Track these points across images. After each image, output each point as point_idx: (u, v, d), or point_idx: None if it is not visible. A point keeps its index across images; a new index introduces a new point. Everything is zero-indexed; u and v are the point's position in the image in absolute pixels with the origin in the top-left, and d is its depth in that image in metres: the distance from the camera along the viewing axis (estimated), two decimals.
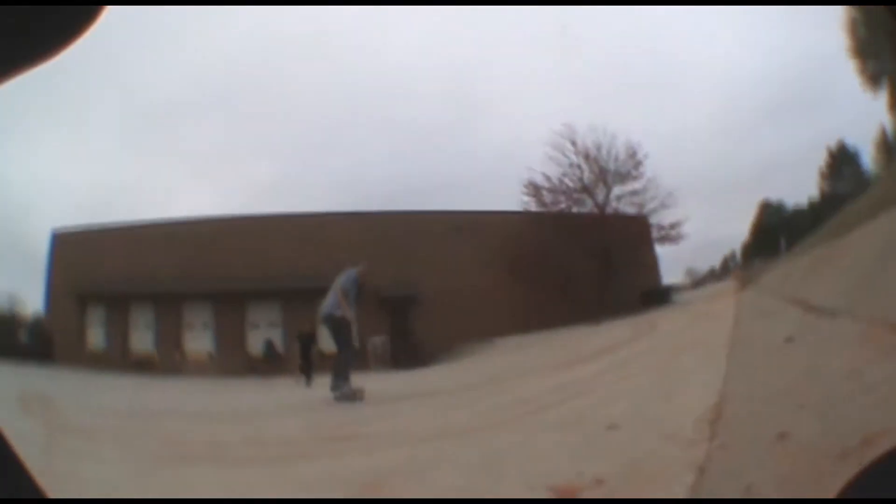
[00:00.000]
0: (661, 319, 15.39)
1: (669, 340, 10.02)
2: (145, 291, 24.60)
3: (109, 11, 0.83)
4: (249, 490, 3.49)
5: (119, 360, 23.02)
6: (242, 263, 24.44)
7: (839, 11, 34.26)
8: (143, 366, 22.58)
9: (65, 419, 7.43)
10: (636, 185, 28.21)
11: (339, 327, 9.84)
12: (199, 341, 25.30)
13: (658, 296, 25.80)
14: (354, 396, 9.03)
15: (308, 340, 18.53)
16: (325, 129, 52.98)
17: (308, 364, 17.88)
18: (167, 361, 23.62)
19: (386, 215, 26.45)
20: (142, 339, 25.30)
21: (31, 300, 26.73)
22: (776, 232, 35.55)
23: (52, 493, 0.96)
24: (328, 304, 10.02)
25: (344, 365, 9.57)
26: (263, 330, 25.06)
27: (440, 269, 24.87)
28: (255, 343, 25.01)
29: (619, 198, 28.35)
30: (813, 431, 2.62)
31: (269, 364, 22.62)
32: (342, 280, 10.26)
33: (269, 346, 24.19)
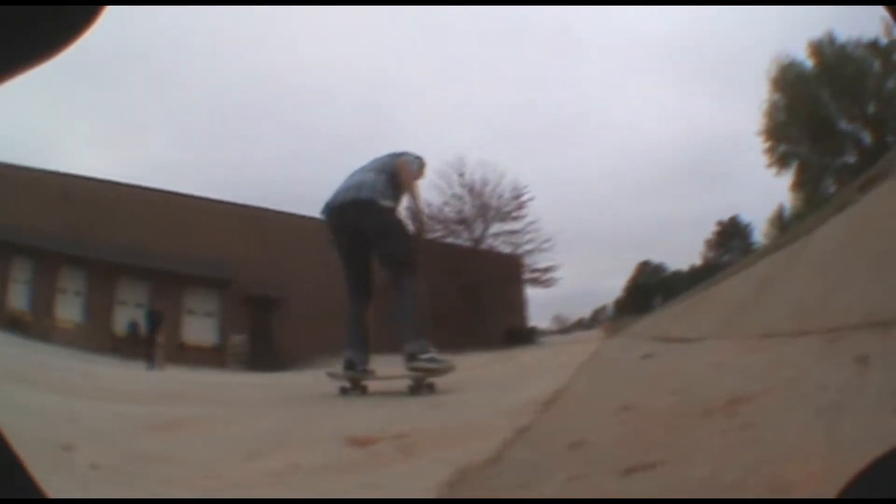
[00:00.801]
0: (522, 353, 15.41)
1: (526, 364, 9.87)
2: (27, 244, 23.20)
3: (109, 11, 0.78)
4: None
5: None
6: (120, 234, 23.60)
7: (761, 93, 36.88)
8: (16, 324, 21.62)
9: None
10: (515, 225, 29.60)
11: (388, 225, 5.35)
12: (69, 308, 24.42)
13: (522, 335, 26.26)
14: (445, 367, 4.96)
15: (157, 320, 18.64)
16: (232, 121, 52.26)
17: (151, 345, 17.70)
18: (39, 324, 22.44)
19: (268, 213, 26.75)
20: (19, 297, 24.13)
21: None
22: (652, 291, 36.97)
23: (51, 493, 0.88)
24: (365, 183, 5.40)
25: (413, 305, 5.17)
26: (131, 309, 24.13)
27: (310, 277, 24.17)
28: (121, 320, 24.21)
29: (496, 235, 29.62)
30: (655, 403, 2.55)
31: (131, 345, 21.46)
32: (384, 161, 5.72)
33: (134, 326, 23.17)
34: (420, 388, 4.75)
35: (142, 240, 23.85)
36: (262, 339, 24.11)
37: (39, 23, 0.77)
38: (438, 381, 4.97)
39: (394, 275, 5.23)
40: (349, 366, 5.33)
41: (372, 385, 5.40)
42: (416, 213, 5.92)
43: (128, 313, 24.01)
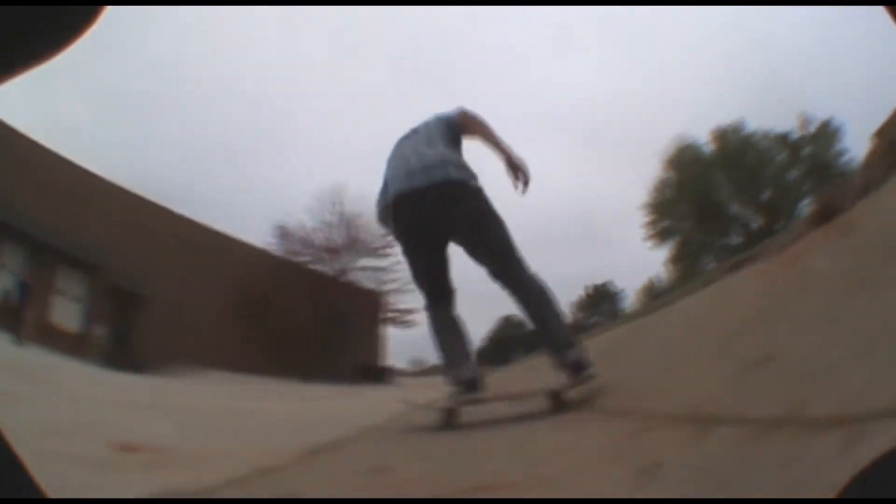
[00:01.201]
0: (363, 392, 15.65)
1: (350, 401, 10.30)
2: None
3: (109, 11, 0.74)
4: None
5: None
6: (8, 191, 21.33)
7: (654, 170, 38.46)
8: None
9: None
10: (382, 262, 29.65)
11: (488, 210, 4.06)
12: None
13: (376, 373, 26.02)
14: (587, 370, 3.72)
15: (27, 292, 18.18)
16: (148, 102, 50.18)
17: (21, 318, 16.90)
18: None
19: (155, 207, 25.42)
20: None
21: None
22: (513, 345, 37.43)
23: (51, 493, 0.83)
24: (446, 159, 4.13)
25: (554, 299, 4.01)
26: (6, 274, 21.77)
27: (175, 278, 23.75)
28: None
29: (361, 269, 29.79)
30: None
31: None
32: (438, 126, 4.43)
33: (6, 294, 20.93)
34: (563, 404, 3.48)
35: (26, 202, 21.72)
36: (123, 335, 22.90)
37: (39, 23, 0.74)
38: None
39: (507, 270, 3.99)
40: (470, 386, 3.86)
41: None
42: (511, 162, 4.02)
43: (3, 279, 21.81)
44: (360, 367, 24.94)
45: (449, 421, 3.67)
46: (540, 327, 3.87)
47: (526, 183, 4.04)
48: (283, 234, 28.98)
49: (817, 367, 1.80)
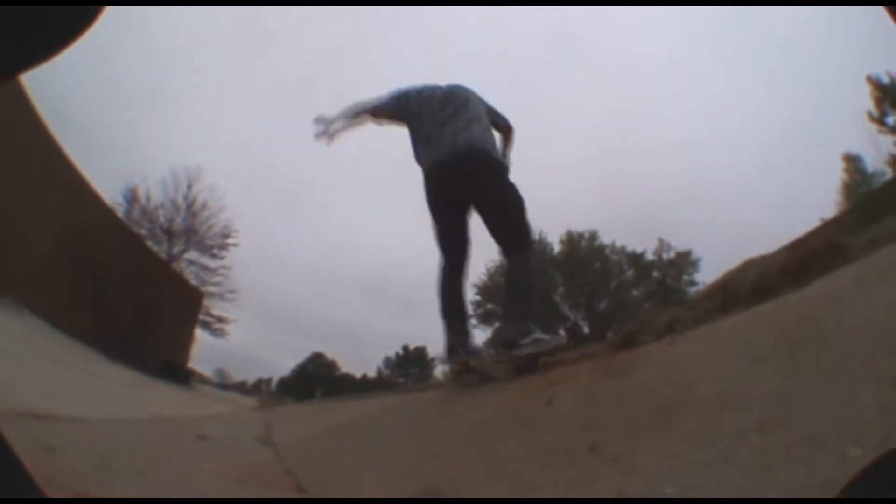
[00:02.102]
0: (160, 390, 14.63)
1: (149, 400, 9.46)
2: None
3: (109, 11, 0.79)
4: None
5: None
6: None
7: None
8: None
9: None
10: (211, 262, 28.90)
11: (510, 188, 4.39)
12: None
13: (178, 373, 24.83)
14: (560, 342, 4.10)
15: None
16: None
17: None
18: None
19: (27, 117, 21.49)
20: None
21: None
22: (317, 382, 37.12)
23: (51, 493, 0.91)
24: (469, 125, 4.42)
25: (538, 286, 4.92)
26: None
27: (26, 205, 21.20)
28: None
29: (190, 262, 28.69)
30: None
31: None
32: (479, 106, 4.70)
33: None
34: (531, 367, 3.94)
35: None
36: None
37: (39, 23, 0.76)
38: None
39: (515, 249, 4.23)
40: (451, 353, 4.32)
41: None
42: None
43: None
44: (164, 361, 23.73)
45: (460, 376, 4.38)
46: (514, 306, 4.20)
47: None
48: (132, 197, 27.64)
49: None
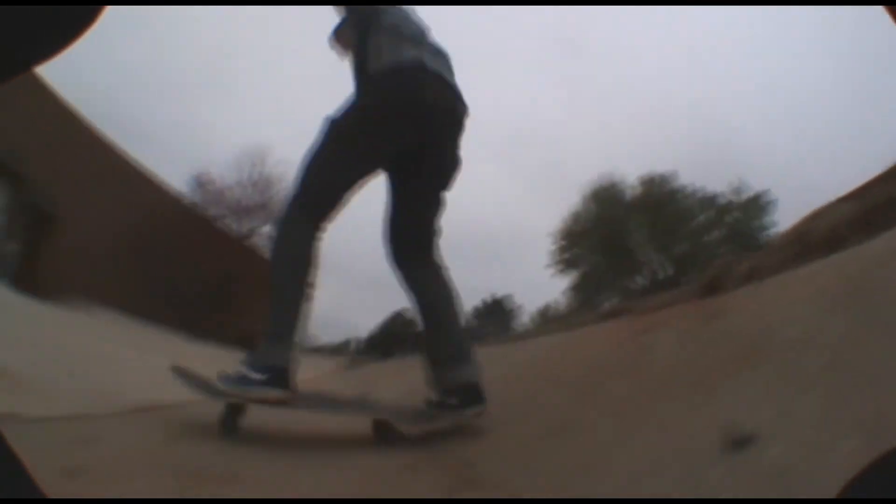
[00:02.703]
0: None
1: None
2: None
3: (109, 11, 0.79)
4: None
5: None
6: None
7: (573, 200, 37.58)
8: None
9: None
10: None
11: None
12: None
13: (255, 345, 24.98)
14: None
15: None
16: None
17: None
18: None
19: (77, 120, 23.57)
20: None
21: None
22: (398, 341, 37.37)
23: (51, 493, 0.86)
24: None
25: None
26: None
27: (88, 204, 22.23)
28: None
29: (267, 237, 27.90)
30: None
31: None
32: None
33: None
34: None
35: None
36: (30, 254, 21.45)
37: (39, 23, 0.77)
38: None
39: (432, 246, 3.30)
40: (275, 376, 2.78)
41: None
42: None
43: None
44: (242, 336, 24.39)
45: (229, 422, 2.80)
46: (445, 327, 3.16)
47: None
48: (200, 183, 28.14)
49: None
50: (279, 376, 2.75)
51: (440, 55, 3.25)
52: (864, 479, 0.80)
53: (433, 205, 3.30)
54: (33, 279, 19.47)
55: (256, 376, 2.69)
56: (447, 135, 3.22)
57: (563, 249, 35.63)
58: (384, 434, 2.74)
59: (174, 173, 30.32)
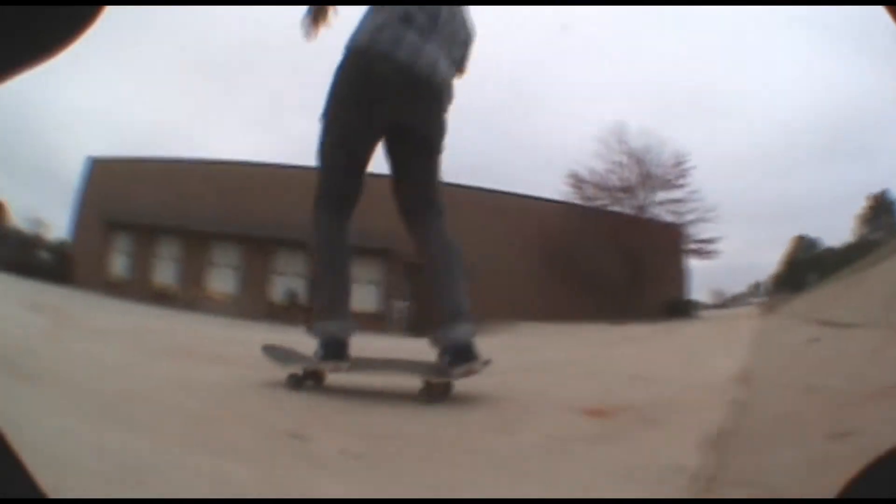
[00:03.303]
0: (682, 327, 14.83)
1: (692, 338, 9.72)
2: (175, 225, 24.84)
3: (109, 11, 0.83)
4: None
5: (139, 289, 23.08)
6: (274, 211, 24.36)
7: None
8: (162, 297, 22.46)
9: (75, 321, 7.13)
10: (678, 193, 28.12)
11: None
12: (222, 281, 25.80)
13: (680, 307, 25.32)
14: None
15: None
16: None
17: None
18: (187, 296, 23.63)
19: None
20: (165, 272, 25.80)
21: (57, 224, 28.10)
22: (806, 267, 34.64)
23: (52, 494, 0.95)
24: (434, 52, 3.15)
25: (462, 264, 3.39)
26: (288, 278, 25.22)
27: (473, 245, 24.02)
28: (278, 290, 25.32)
29: (659, 203, 28.33)
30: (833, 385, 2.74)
31: (289, 312, 22.36)
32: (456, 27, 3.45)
33: (291, 294, 24.22)
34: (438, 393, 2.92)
35: (296, 214, 23.95)
36: (422, 306, 22.90)
37: (39, 23, 0.79)
38: None
39: (423, 214, 3.40)
40: (335, 349, 3.12)
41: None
42: None
43: (285, 283, 25.16)
44: (665, 303, 24.28)
45: (300, 383, 3.10)
46: (441, 286, 3.20)
47: None
48: (577, 181, 28.39)
49: None
50: (336, 348, 3.08)
51: (426, 31, 3.15)
52: (864, 479, 0.82)
53: (426, 169, 3.36)
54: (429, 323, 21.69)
55: (318, 351, 3.07)
56: (411, 109, 3.19)
57: None
58: (429, 392, 2.88)
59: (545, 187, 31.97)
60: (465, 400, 2.88)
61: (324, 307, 3.22)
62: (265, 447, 1.92)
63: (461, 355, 2.90)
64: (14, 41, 0.80)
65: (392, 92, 3.07)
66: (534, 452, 1.95)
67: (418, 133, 3.24)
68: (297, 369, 3.09)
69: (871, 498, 0.82)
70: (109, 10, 0.82)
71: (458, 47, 3.35)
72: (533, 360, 6.54)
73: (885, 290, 5.96)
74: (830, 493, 0.85)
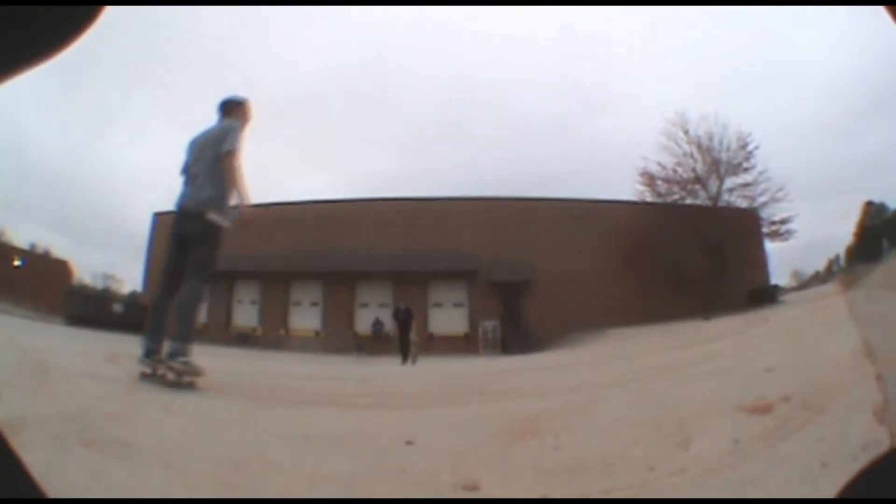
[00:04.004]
0: (773, 314, 14.21)
1: (789, 322, 9.51)
2: (252, 269, 25.38)
3: (107, 11, 0.85)
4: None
5: (220, 333, 23.78)
6: (353, 245, 25.13)
7: None
8: (244, 339, 23.40)
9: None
10: (748, 177, 27.54)
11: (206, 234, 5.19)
12: (305, 318, 26.36)
13: (766, 294, 24.89)
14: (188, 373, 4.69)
15: (407, 317, 18.50)
16: (441, 120, 53.55)
17: (406, 341, 17.73)
18: (271, 336, 24.49)
19: (499, 201, 26.62)
20: (245, 315, 26.62)
21: (130, 279, 30.09)
22: (879, 233, 33.53)
23: (52, 494, 0.98)
24: (190, 182, 5.24)
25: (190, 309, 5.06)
26: (372, 309, 25.60)
27: (554, 256, 25.07)
28: (364, 322, 25.59)
29: (730, 190, 27.72)
30: None
31: (376, 342, 22.87)
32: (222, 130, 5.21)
33: (378, 325, 24.46)
34: (180, 384, 4.61)
35: (376, 246, 25.22)
36: (512, 323, 24.48)
37: (39, 23, 0.81)
38: None
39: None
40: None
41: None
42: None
43: (371, 314, 25.42)
44: (751, 291, 24.35)
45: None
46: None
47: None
48: (648, 179, 28.07)
49: None
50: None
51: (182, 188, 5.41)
52: (864, 479, 0.83)
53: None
54: (524, 339, 21.86)
55: None
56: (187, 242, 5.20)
57: None
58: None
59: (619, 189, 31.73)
60: None
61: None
62: None
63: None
64: (14, 41, 0.81)
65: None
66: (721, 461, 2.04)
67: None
68: None
69: (871, 498, 0.84)
70: (109, 10, 0.86)
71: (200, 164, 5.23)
72: (651, 364, 6.60)
73: None
74: None
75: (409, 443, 2.72)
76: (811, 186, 56.00)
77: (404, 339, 18.00)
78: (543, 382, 6.69)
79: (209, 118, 5.55)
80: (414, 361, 16.10)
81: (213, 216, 5.07)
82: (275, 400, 4.81)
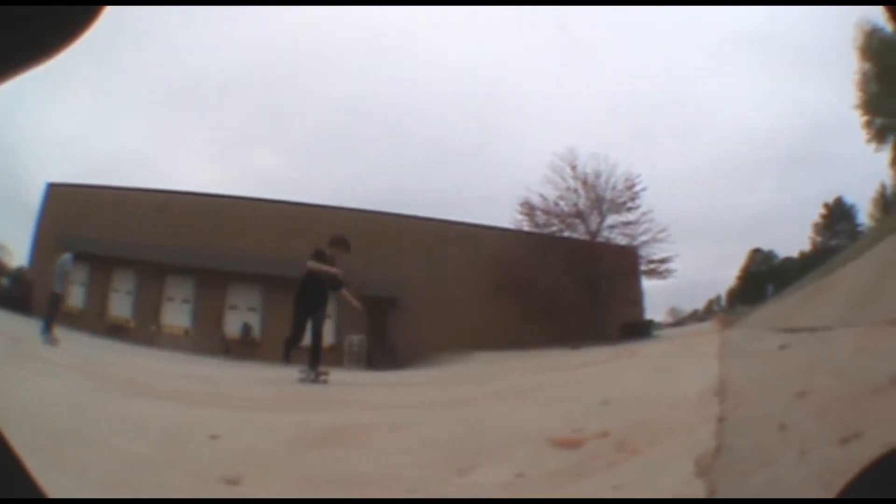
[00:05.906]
0: (644, 347, 14.66)
1: (656, 356, 9.92)
2: (131, 257, 24.56)
3: (109, 11, 0.82)
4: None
5: (95, 321, 22.68)
6: (230, 244, 24.48)
7: (851, 66, 33.28)
8: (117, 331, 22.49)
9: (29, 349, 7.71)
10: (630, 216, 28.12)
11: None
12: (176, 315, 25.49)
13: (639, 328, 25.49)
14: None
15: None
16: (335, 130, 53.03)
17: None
18: (143, 331, 23.53)
19: (376, 215, 26.26)
20: (120, 305, 25.47)
21: (20, 250, 27.03)
22: (764, 279, 35.10)
23: (52, 494, 0.95)
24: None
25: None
26: (242, 313, 25.09)
27: (425, 276, 25.01)
28: (233, 324, 25.00)
29: (611, 227, 28.31)
30: (829, 385, 2.65)
31: (243, 347, 22.39)
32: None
33: (247, 329, 24.15)
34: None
35: (250, 248, 24.64)
36: (379, 338, 24.42)
37: (39, 23, 0.78)
38: None
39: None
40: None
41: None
42: None
43: (240, 317, 25.07)
44: (624, 324, 24.68)
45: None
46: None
47: None
48: (528, 209, 28.36)
49: None
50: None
51: None
52: (864, 479, 0.83)
53: None
54: (389, 356, 21.87)
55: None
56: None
57: (868, 123, 31.13)
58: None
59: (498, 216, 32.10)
60: None
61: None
62: None
63: None
64: (14, 41, 0.78)
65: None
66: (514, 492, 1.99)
67: None
68: None
69: (871, 498, 0.81)
70: (109, 10, 0.81)
71: None
72: (499, 388, 6.73)
73: (854, 291, 6.07)
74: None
75: (213, 437, 2.94)
76: (699, 231, 58.13)
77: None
78: (381, 398, 7.16)
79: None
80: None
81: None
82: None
